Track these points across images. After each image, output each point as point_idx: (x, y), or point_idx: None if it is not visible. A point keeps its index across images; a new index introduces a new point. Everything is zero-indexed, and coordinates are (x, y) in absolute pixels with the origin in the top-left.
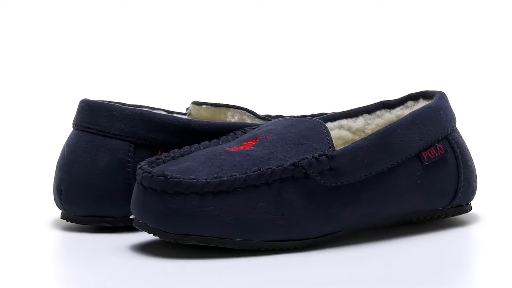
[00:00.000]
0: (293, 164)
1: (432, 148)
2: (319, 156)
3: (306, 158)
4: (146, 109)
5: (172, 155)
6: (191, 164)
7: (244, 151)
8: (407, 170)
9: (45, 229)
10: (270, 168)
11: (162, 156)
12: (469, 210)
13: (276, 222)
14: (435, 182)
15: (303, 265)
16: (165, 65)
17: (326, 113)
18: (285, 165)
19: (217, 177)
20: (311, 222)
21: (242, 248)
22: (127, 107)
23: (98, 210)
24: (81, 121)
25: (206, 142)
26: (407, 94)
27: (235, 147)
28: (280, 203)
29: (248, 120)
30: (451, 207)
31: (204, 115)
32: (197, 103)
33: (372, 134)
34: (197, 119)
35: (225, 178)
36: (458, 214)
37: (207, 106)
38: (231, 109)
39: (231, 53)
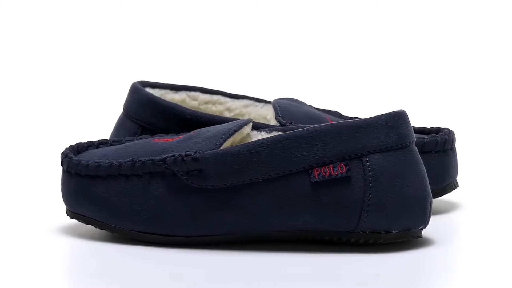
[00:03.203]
0: (161, 160)
1: (330, 165)
2: (185, 155)
3: (173, 156)
4: (157, 96)
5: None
6: (108, 149)
7: (159, 143)
8: (291, 184)
9: None
10: (141, 160)
11: (110, 140)
12: (399, 239)
13: (141, 214)
14: (328, 202)
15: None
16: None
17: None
18: (155, 159)
19: (95, 162)
20: (177, 220)
21: (117, 234)
22: (146, 90)
23: None
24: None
25: (185, 133)
26: None
27: (162, 139)
28: (147, 196)
29: (272, 119)
30: (363, 232)
31: None
32: None
33: (250, 142)
34: (195, 110)
35: (102, 164)
36: (375, 241)
37: None
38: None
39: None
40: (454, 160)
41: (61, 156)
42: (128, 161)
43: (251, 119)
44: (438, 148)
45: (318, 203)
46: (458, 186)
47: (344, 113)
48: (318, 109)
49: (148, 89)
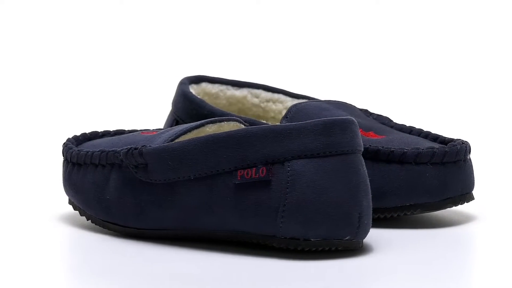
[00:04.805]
0: (117, 152)
1: (253, 168)
2: (134, 149)
3: (126, 149)
4: (189, 91)
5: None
6: (107, 139)
7: (140, 135)
8: (217, 185)
9: None
10: (105, 151)
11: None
12: (320, 248)
13: (102, 203)
14: (249, 204)
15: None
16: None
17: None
18: (116, 150)
19: (78, 150)
20: (128, 211)
21: (92, 221)
22: (185, 85)
23: None
24: None
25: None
26: None
27: (148, 132)
28: (107, 186)
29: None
30: (284, 238)
31: None
32: None
33: (186, 139)
34: (214, 106)
35: (81, 152)
36: (295, 248)
37: None
38: None
39: None
40: (459, 174)
41: (62, 144)
42: (98, 151)
43: (237, 118)
44: (435, 160)
45: (240, 205)
46: (468, 201)
47: (396, 120)
48: (371, 114)
49: (205, 84)
